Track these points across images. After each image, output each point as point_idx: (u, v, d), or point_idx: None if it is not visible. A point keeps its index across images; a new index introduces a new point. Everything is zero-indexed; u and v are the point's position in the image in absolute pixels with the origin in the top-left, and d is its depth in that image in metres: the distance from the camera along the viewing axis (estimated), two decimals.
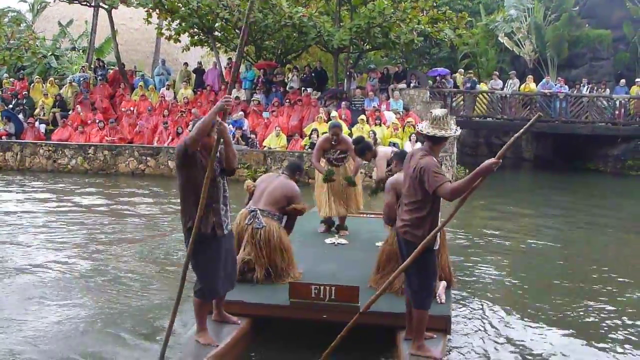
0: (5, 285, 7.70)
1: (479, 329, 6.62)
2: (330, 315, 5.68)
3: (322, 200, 9.26)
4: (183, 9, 22.83)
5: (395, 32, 21.82)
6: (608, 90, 24.61)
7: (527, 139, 30.48)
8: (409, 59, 30.20)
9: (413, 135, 19.21)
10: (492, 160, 4.75)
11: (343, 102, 21.33)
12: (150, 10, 23.68)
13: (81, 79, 24.54)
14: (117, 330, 6.25)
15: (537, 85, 24.29)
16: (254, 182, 7.46)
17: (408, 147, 19.20)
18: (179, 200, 5.33)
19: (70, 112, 22.66)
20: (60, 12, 37.92)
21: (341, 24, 22.94)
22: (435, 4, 23.95)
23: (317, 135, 19.25)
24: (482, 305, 7.38)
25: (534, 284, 8.70)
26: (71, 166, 20.19)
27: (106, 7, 24.42)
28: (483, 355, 6.01)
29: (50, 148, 20.47)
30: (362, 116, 20.24)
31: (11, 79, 26.22)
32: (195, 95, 23.40)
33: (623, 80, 24.91)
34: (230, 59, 26.49)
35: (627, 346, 6.34)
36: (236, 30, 24.16)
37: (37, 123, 21.93)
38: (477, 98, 23.82)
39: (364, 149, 8.67)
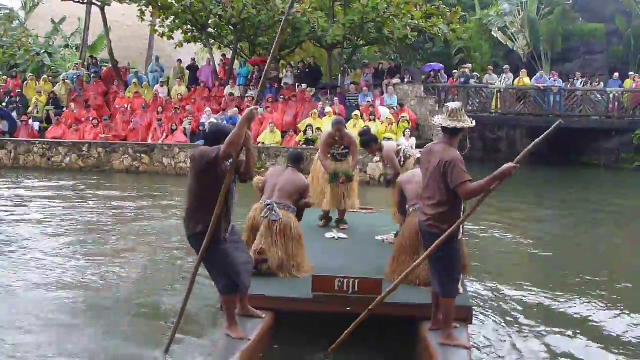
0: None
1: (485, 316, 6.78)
2: (353, 307, 5.67)
3: (321, 194, 9.26)
4: (176, 5, 22.82)
5: (388, 27, 21.83)
6: (602, 84, 24.67)
7: (522, 133, 30.49)
8: (402, 54, 30.14)
9: (407, 130, 19.23)
10: (511, 164, 4.93)
11: (336, 98, 21.33)
12: (144, 7, 23.64)
13: (75, 76, 24.47)
14: (119, 334, 6.22)
15: (531, 80, 24.33)
16: (262, 177, 7.55)
17: (403, 142, 19.20)
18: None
19: (64, 110, 22.60)
20: (53, 9, 37.75)
21: (335, 19, 22.94)
22: None
23: (312, 131, 19.28)
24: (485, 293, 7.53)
25: (535, 274, 8.77)
26: (65, 164, 20.14)
27: (99, 4, 24.38)
28: (498, 342, 6.18)
29: (44, 146, 20.42)
30: (357, 112, 20.25)
31: (4, 77, 26.18)
32: (189, 92, 23.38)
33: (617, 74, 24.97)
34: (224, 55, 26.44)
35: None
36: (229, 27, 24.14)
37: (30, 121, 21.86)
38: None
39: (370, 140, 8.64)
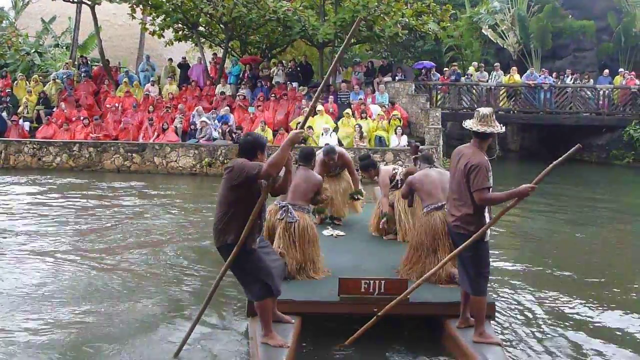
0: None
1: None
2: (380, 308, 5.72)
3: None
4: (167, 4, 22.75)
5: (379, 25, 21.86)
6: (592, 81, 24.78)
7: (513, 130, 30.58)
8: (393, 52, 30.23)
9: (399, 128, 19.27)
10: (528, 185, 5.15)
11: (331, 96, 21.34)
12: (134, 6, 23.57)
13: (65, 75, 24.35)
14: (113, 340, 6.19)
15: (521, 77, 24.41)
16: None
17: (394, 140, 19.27)
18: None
19: (54, 110, 22.49)
20: (43, 8, 37.68)
21: (326, 17, 22.96)
22: None
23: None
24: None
25: (529, 270, 8.82)
26: (56, 164, 20.05)
27: (89, 3, 24.27)
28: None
29: (34, 146, 20.33)
30: (348, 110, 20.28)
31: None
32: (180, 90, 23.34)
33: (607, 71, 25.10)
34: (215, 54, 26.39)
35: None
36: (220, 25, 24.11)
37: (21, 121, 21.74)
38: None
39: (369, 165, 8.78)
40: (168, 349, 5.76)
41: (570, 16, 29.01)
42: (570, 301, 7.45)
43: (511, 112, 24.22)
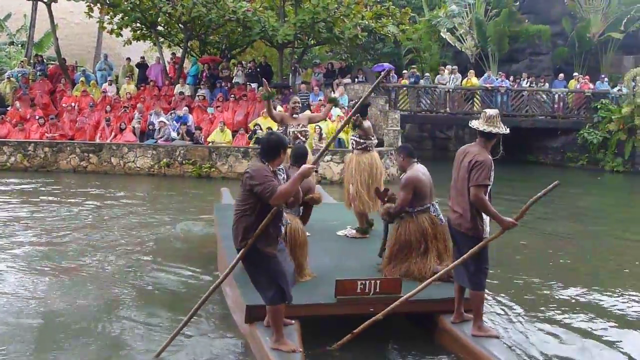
0: None
1: None
2: (376, 308, 5.85)
3: None
4: (125, 2, 22.51)
5: (339, 27, 21.91)
6: (547, 85, 25.22)
7: (471, 133, 30.93)
8: (353, 54, 30.29)
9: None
10: (511, 221, 5.42)
11: (288, 97, 21.32)
12: (92, 4, 23.27)
13: (20, 74, 23.93)
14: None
15: (479, 80, 24.71)
16: None
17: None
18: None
19: (8, 108, 22.08)
20: None
21: (285, 19, 22.93)
22: (378, 0, 24.13)
23: (261, 129, 19.24)
24: None
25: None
26: (10, 164, 19.68)
27: (46, 0, 23.87)
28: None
29: None
30: (307, 111, 20.26)
31: None
32: (138, 90, 23.09)
33: (562, 75, 25.58)
34: (174, 53, 26.18)
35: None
36: (179, 25, 23.92)
37: None
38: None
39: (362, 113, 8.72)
40: (150, 349, 5.81)
41: (526, 21, 29.42)
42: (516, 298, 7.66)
43: (469, 114, 24.51)
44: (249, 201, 5.19)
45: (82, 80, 23.30)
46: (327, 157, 18.46)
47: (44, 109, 21.90)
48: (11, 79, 23.70)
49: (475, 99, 24.41)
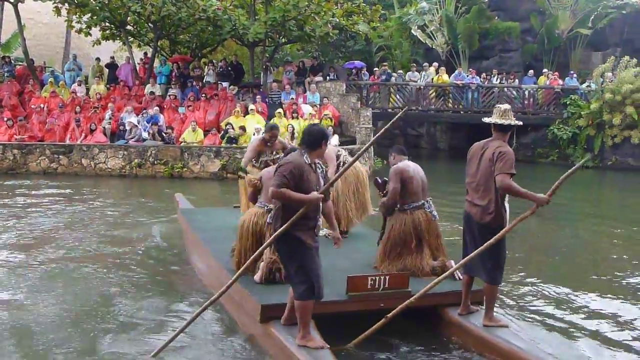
0: None
1: None
2: (386, 303, 5.97)
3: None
4: (93, 2, 22.28)
5: (310, 25, 21.91)
6: (517, 81, 25.44)
7: (442, 129, 31.12)
8: (324, 52, 30.33)
9: (330, 127, 19.34)
10: (545, 197, 5.50)
11: (258, 96, 21.28)
12: (59, 4, 22.99)
13: None
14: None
15: (449, 77, 24.85)
16: (250, 177, 7.65)
17: (335, 140, 19.32)
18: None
19: None
20: None
21: (256, 17, 22.86)
22: None
23: (233, 128, 19.18)
24: None
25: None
26: None
27: (12, 0, 23.53)
28: None
29: None
30: (279, 110, 20.25)
31: None
32: (108, 90, 22.87)
33: (531, 71, 25.83)
34: (145, 53, 25.95)
35: None
36: (149, 24, 23.73)
37: None
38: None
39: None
40: (146, 347, 5.80)
41: (496, 18, 29.65)
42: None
43: (440, 111, 24.70)
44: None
45: (50, 81, 23.00)
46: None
47: (12, 111, 21.57)
48: None
49: (446, 96, 24.59)
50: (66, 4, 23.08)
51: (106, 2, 21.90)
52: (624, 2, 28.42)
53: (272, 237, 5.29)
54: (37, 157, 19.43)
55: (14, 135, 20.06)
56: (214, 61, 25.32)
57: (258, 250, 5.66)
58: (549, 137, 24.32)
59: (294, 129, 18.84)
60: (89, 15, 23.12)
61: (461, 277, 6.46)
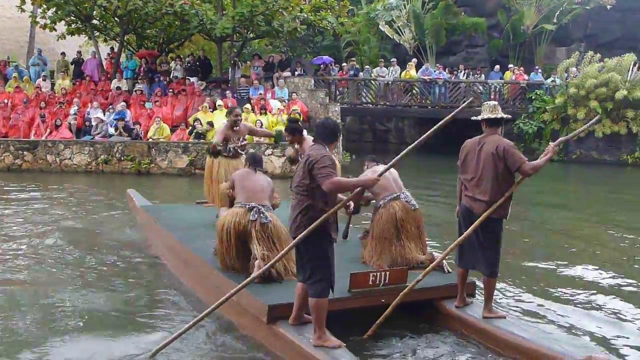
0: None
1: None
2: (387, 298, 6.04)
3: (213, 192, 9.14)
4: None
5: (278, 20, 21.87)
6: (484, 76, 25.69)
7: (410, 124, 31.28)
8: (293, 47, 30.30)
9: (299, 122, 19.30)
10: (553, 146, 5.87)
11: (228, 91, 21.20)
12: None
13: None
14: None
15: (417, 72, 25.00)
16: (222, 187, 7.65)
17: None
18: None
19: None
20: None
21: (224, 12, 22.76)
22: None
23: (201, 124, 19.08)
24: None
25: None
26: None
27: None
28: None
29: None
30: (247, 105, 20.18)
31: None
32: (73, 86, 22.60)
33: (497, 66, 26.11)
34: (112, 48, 25.67)
35: None
36: (115, 19, 23.48)
37: None
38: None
39: (296, 130, 8.23)
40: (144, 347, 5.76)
41: (463, 13, 29.88)
42: None
43: (408, 106, 24.85)
44: (311, 185, 5.11)
45: (15, 76, 22.67)
46: (268, 151, 18.45)
47: None
48: None
49: (413, 91, 24.75)
50: None
51: None
52: None
53: (307, 230, 5.10)
54: (1, 154, 19.16)
55: None
56: (181, 56, 25.15)
57: (282, 252, 5.63)
58: (515, 131, 24.58)
59: (262, 125, 18.78)
60: (54, 9, 22.80)
61: (450, 270, 6.70)
